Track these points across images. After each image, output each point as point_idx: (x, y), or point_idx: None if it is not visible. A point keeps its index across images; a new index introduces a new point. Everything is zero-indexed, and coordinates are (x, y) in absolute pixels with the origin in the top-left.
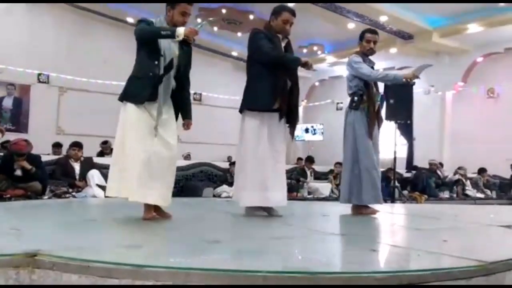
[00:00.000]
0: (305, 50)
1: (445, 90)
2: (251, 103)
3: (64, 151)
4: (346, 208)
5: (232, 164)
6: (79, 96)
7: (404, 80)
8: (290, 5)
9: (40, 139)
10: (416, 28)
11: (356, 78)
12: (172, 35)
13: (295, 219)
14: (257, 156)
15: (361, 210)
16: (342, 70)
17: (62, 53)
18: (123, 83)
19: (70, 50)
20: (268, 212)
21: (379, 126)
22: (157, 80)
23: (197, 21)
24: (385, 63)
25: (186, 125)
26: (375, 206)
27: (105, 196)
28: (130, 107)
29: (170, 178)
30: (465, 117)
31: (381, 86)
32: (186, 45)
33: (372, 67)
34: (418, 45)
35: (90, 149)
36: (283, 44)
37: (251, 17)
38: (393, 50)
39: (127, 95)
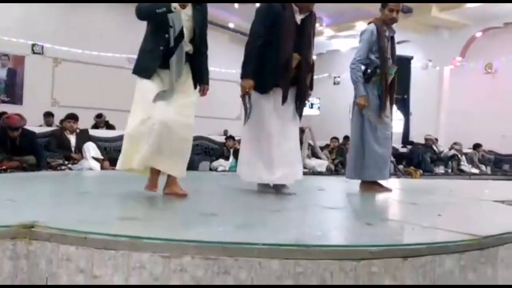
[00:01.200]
0: None
1: (443, 65)
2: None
3: (57, 121)
4: (341, 183)
5: (228, 138)
6: (74, 68)
7: (357, 101)
8: None
9: (35, 110)
10: (416, 2)
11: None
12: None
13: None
14: (261, 133)
15: (369, 187)
16: (340, 44)
17: (57, 24)
18: (119, 55)
19: (65, 21)
20: (277, 190)
21: (391, 101)
22: (168, 53)
23: None
24: None
25: (202, 91)
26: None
27: (100, 168)
28: (143, 80)
29: (186, 149)
30: (462, 92)
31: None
32: (199, 4)
33: (392, 37)
34: (417, 19)
35: (86, 121)
36: (300, 17)
37: None
38: None
39: (137, 69)
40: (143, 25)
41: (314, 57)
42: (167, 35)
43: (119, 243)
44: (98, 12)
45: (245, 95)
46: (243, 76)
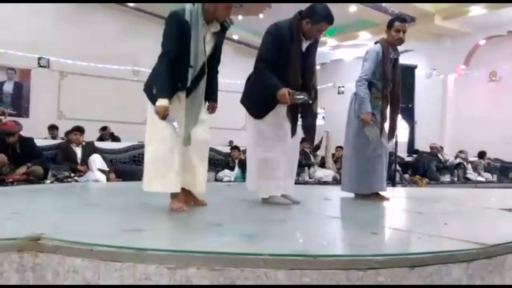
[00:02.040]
0: None
1: (447, 73)
2: (248, 107)
3: (62, 134)
4: (347, 192)
5: (233, 148)
6: (80, 81)
7: (359, 116)
8: None
9: (41, 123)
10: (419, 11)
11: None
12: (156, 97)
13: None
14: (263, 144)
15: (374, 197)
16: (344, 54)
17: (62, 37)
18: (123, 67)
19: (70, 34)
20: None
21: (395, 114)
22: (183, 90)
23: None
24: None
25: (211, 108)
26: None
27: (106, 180)
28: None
29: (205, 165)
30: (467, 100)
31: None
32: (223, 30)
33: (396, 59)
34: (420, 28)
35: (92, 134)
36: (306, 44)
37: None
38: None
39: (147, 89)
40: (146, 39)
41: (318, 67)
42: (187, 74)
43: (125, 255)
44: (103, 25)
45: (291, 101)
46: (272, 93)
